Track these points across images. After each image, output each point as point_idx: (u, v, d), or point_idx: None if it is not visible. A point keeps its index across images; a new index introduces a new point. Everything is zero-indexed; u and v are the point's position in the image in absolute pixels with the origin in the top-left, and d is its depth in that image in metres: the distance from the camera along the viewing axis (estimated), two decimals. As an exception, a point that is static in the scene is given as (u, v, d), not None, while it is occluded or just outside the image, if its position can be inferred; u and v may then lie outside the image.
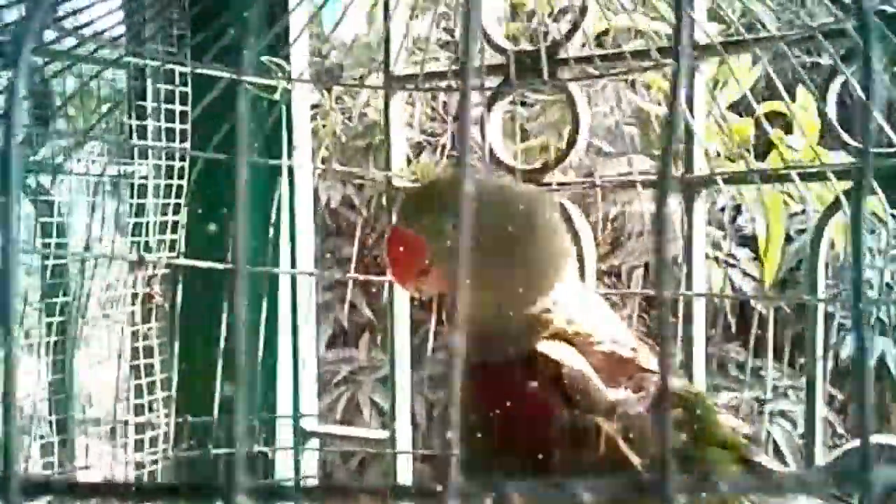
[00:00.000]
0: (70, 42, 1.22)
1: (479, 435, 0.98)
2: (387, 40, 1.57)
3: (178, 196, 1.64)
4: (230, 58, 1.28)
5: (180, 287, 1.52)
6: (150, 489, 0.34)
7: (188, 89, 1.60)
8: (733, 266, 3.29)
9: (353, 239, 3.74)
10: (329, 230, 3.82)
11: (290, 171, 1.66)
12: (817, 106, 1.29)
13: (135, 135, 1.62)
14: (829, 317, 1.41)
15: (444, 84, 1.65)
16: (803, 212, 3.12)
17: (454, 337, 0.35)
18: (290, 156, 1.66)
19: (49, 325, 1.57)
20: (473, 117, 3.34)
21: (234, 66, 1.31)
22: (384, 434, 1.65)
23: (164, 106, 1.61)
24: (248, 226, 1.48)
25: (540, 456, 0.92)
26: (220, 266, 1.36)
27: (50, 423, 1.60)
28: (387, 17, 1.56)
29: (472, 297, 1.07)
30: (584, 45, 1.46)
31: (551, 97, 3.06)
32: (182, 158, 1.62)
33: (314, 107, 2.13)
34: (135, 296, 1.67)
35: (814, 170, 1.33)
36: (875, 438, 1.32)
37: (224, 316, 1.40)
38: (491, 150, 1.54)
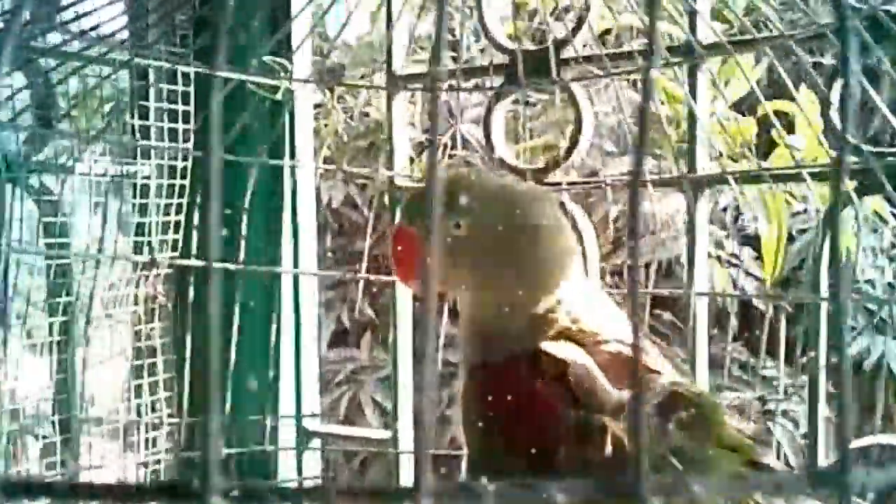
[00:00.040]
0: (74, 44, 1.22)
1: (485, 434, 0.98)
2: (389, 40, 1.58)
3: (181, 196, 1.64)
4: (234, 58, 1.28)
5: (187, 287, 1.53)
6: (123, 490, 0.34)
7: (191, 89, 1.60)
8: (736, 266, 3.28)
9: (354, 238, 3.74)
10: (331, 229, 3.82)
11: (293, 170, 1.66)
12: (820, 103, 1.29)
13: (138, 135, 1.63)
14: (831, 316, 1.40)
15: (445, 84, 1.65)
16: (805, 211, 3.12)
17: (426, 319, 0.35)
18: (292, 156, 1.66)
19: (52, 324, 1.57)
20: (475, 116, 3.33)
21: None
22: (386, 434, 1.65)
23: (167, 106, 1.61)
24: (251, 226, 1.48)
25: (546, 455, 0.92)
26: (226, 266, 1.36)
27: (53, 422, 1.60)
28: (389, 17, 1.56)
29: (476, 297, 1.08)
30: (585, 46, 1.46)
31: (553, 96, 3.05)
32: (185, 158, 1.62)
33: (316, 106, 2.13)
34: (138, 296, 1.67)
35: (815, 169, 1.33)
36: (879, 439, 1.32)
37: (227, 315, 1.40)
38: (493, 150, 1.54)
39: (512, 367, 0.98)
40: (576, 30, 1.43)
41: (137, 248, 1.64)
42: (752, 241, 3.25)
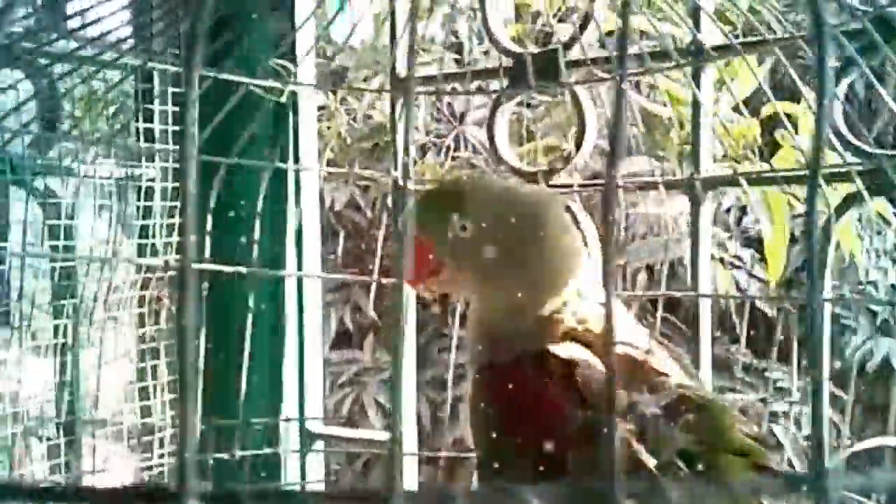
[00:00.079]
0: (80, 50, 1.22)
1: (493, 435, 0.99)
2: (393, 43, 1.58)
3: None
4: (238, 62, 1.28)
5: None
6: (99, 494, 0.34)
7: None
8: (739, 267, 3.28)
9: (358, 240, 3.75)
10: (334, 232, 3.82)
11: (297, 173, 1.66)
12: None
13: (142, 137, 1.63)
14: (834, 318, 1.41)
15: (449, 87, 1.65)
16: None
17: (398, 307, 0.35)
18: (296, 158, 1.66)
19: (56, 327, 1.57)
20: (479, 119, 3.33)
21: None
22: (389, 435, 1.65)
23: (171, 109, 1.62)
24: (254, 228, 1.48)
25: (553, 456, 0.92)
26: (228, 269, 1.37)
27: (57, 425, 1.60)
28: (393, 21, 1.56)
29: (483, 299, 1.08)
30: (590, 45, 1.46)
31: (557, 99, 3.06)
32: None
33: (320, 108, 2.13)
34: (142, 298, 1.67)
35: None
36: (885, 441, 1.32)
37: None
38: (497, 152, 1.54)
39: (519, 367, 0.98)
40: (581, 31, 1.43)
41: (141, 251, 1.64)
42: (755, 244, 3.26)
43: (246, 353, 1.40)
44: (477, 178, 1.15)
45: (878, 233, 3.00)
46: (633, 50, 1.44)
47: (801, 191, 1.75)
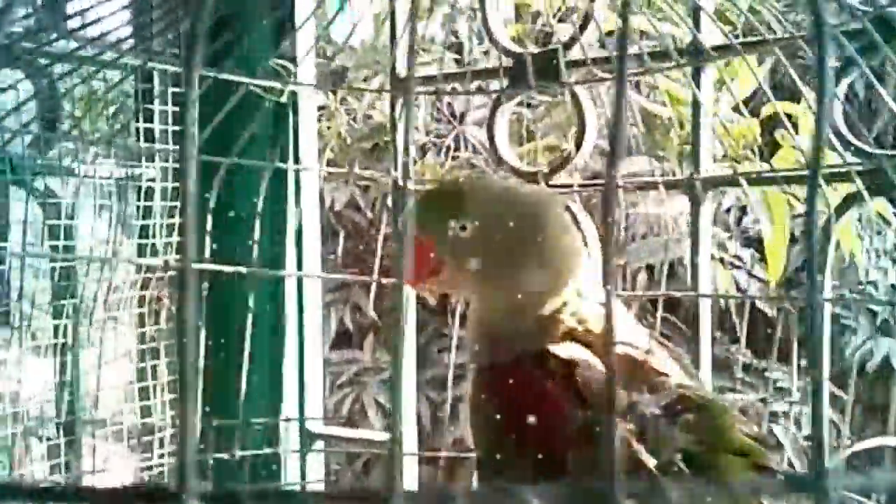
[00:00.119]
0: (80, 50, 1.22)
1: (493, 435, 0.99)
2: (393, 43, 1.58)
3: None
4: (239, 61, 1.28)
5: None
6: (98, 494, 0.34)
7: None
8: (739, 267, 3.28)
9: (358, 240, 3.74)
10: (334, 232, 3.82)
11: (297, 173, 1.66)
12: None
13: (142, 137, 1.63)
14: (834, 318, 1.41)
15: (449, 87, 1.65)
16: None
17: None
18: (296, 158, 1.66)
19: (56, 327, 1.57)
20: (479, 118, 3.33)
21: (231, 68, 1.32)
22: (389, 436, 1.65)
23: (171, 109, 1.62)
24: (254, 228, 1.48)
25: (553, 456, 0.92)
26: (228, 269, 1.37)
27: (57, 425, 1.60)
28: (393, 21, 1.56)
29: (483, 299, 1.08)
30: (590, 45, 1.46)
31: (556, 99, 3.06)
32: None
33: (320, 108, 2.13)
34: (142, 298, 1.67)
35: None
36: (885, 441, 1.32)
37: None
38: (497, 152, 1.54)
39: (519, 367, 0.98)
40: (581, 31, 1.43)
41: (141, 251, 1.64)
42: (755, 243, 3.26)
43: (246, 354, 1.40)
44: (477, 179, 1.15)
45: (878, 233, 3.00)
46: (632, 50, 1.44)
47: (801, 191, 1.75)
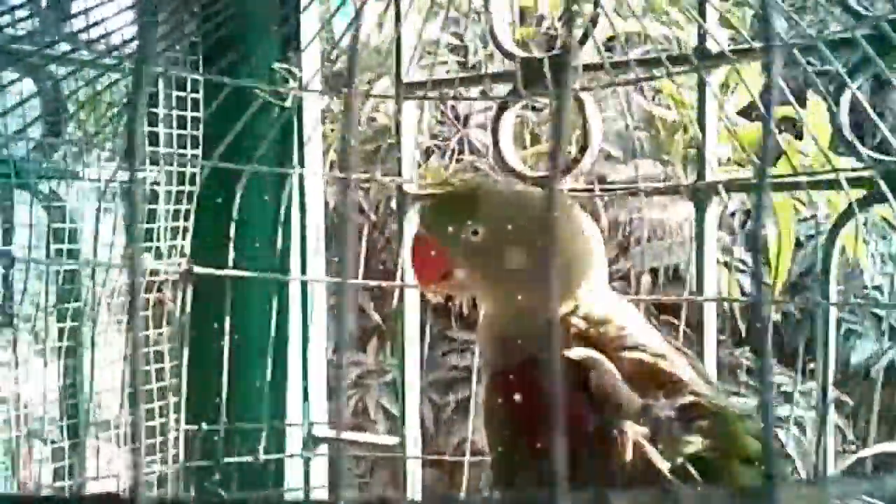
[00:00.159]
0: (84, 52, 1.22)
1: (506, 438, 0.99)
2: (398, 48, 1.58)
3: (189, 202, 1.64)
4: (242, 65, 1.28)
5: (189, 293, 1.53)
6: (56, 502, 0.34)
7: (200, 96, 1.60)
8: (743, 271, 3.28)
9: (360, 242, 3.74)
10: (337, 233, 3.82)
11: (301, 176, 1.66)
12: (829, 111, 1.29)
13: (146, 140, 1.63)
14: (839, 322, 1.40)
15: (453, 91, 1.64)
16: (813, 216, 3.12)
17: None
18: (301, 161, 1.66)
19: (60, 329, 1.57)
20: (483, 121, 3.32)
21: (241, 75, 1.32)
22: (394, 440, 1.65)
23: (175, 112, 1.62)
24: (259, 232, 1.48)
25: (567, 460, 0.92)
26: (235, 273, 1.37)
27: (61, 427, 1.60)
28: (398, 25, 1.56)
29: (495, 302, 1.08)
30: (594, 48, 1.45)
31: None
32: (193, 164, 1.63)
33: (323, 111, 2.13)
34: (146, 301, 1.67)
35: (819, 177, 1.33)
36: (885, 447, 1.31)
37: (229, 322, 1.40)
38: (501, 155, 1.53)
39: (531, 370, 0.99)
40: (582, 39, 1.43)
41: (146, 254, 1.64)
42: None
43: (251, 357, 1.40)
44: (488, 183, 1.16)
45: (884, 237, 3.00)
46: (638, 54, 1.44)
47: (804, 194, 1.74)
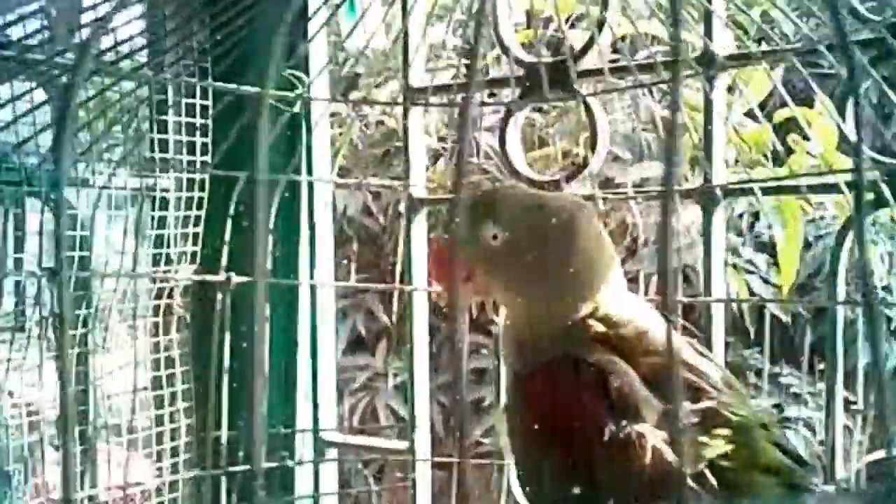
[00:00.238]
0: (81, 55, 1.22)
1: (529, 443, 0.99)
2: (405, 53, 1.58)
3: (199, 208, 1.65)
4: (251, 72, 1.29)
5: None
6: None
7: (209, 103, 1.61)
8: (752, 272, 3.27)
9: (370, 245, 3.75)
10: (347, 237, 3.82)
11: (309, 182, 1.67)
12: (838, 113, 1.29)
13: (156, 147, 1.64)
14: (850, 323, 1.40)
15: (460, 97, 1.65)
16: (822, 217, 3.11)
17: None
18: (309, 165, 1.67)
19: (72, 336, 1.58)
20: (490, 125, 3.33)
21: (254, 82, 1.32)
22: (403, 444, 1.65)
23: (185, 119, 1.63)
24: (267, 236, 1.48)
25: (588, 464, 0.93)
26: (243, 279, 1.37)
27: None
28: (405, 30, 1.56)
29: (515, 307, 1.10)
30: (600, 53, 1.46)
31: (568, 104, 3.05)
32: (203, 171, 1.64)
33: (332, 115, 2.14)
34: (157, 307, 1.68)
35: (819, 179, 1.33)
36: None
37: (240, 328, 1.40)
38: (509, 160, 1.54)
39: (552, 374, 0.99)
40: (588, 43, 1.43)
41: (156, 261, 1.65)
42: (768, 248, 3.24)
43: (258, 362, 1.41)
44: (507, 187, 1.17)
45: (892, 238, 2.99)
46: (644, 57, 1.44)
47: (815, 196, 1.74)
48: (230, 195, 1.40)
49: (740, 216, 3.38)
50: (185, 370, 1.68)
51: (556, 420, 0.97)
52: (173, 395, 1.67)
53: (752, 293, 3.22)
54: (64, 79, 1.28)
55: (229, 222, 1.40)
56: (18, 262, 1.54)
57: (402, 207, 1.68)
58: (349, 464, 2.75)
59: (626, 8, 1.58)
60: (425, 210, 1.62)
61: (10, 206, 1.50)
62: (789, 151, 2.00)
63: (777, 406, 3.22)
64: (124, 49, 1.25)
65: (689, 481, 0.89)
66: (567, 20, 2.37)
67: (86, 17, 1.37)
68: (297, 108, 1.52)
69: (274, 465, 1.59)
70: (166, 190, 1.65)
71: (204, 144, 1.65)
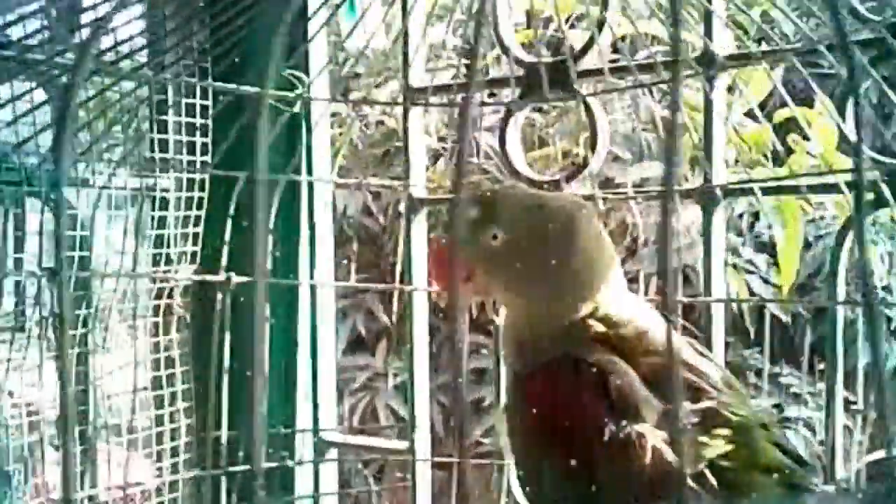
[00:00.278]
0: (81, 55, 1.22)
1: (529, 442, 1.00)
2: (405, 54, 1.58)
3: (199, 208, 1.65)
4: (251, 72, 1.29)
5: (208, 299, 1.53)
6: None
7: (209, 103, 1.61)
8: (752, 272, 3.27)
9: (370, 245, 3.75)
10: (347, 237, 3.82)
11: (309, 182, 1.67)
12: (838, 113, 1.29)
13: (156, 147, 1.64)
14: (850, 323, 1.40)
15: (460, 97, 1.65)
16: (822, 217, 3.11)
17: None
18: (309, 165, 1.67)
19: (72, 336, 1.58)
20: (490, 125, 3.33)
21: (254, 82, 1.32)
22: (403, 444, 1.65)
23: (185, 119, 1.63)
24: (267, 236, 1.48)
25: (588, 464, 0.93)
26: (243, 279, 1.37)
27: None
28: (405, 30, 1.56)
29: (516, 307, 1.10)
30: (600, 53, 1.46)
31: (568, 104, 3.05)
32: (203, 171, 1.64)
33: (332, 115, 2.14)
34: (157, 307, 1.68)
35: (819, 179, 1.33)
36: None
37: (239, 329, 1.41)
38: (509, 160, 1.54)
39: (553, 374, 0.99)
40: (588, 44, 1.43)
41: (156, 261, 1.65)
42: (768, 248, 3.24)
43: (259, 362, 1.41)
44: (507, 187, 1.17)
45: (892, 237, 2.99)
46: (644, 57, 1.44)
47: (814, 196, 1.74)
48: (230, 195, 1.40)
49: (740, 216, 3.38)
50: (185, 370, 1.68)
51: (556, 420, 0.97)
52: (173, 395, 1.67)
53: (752, 293, 3.22)
54: (64, 79, 1.27)
55: (229, 222, 1.40)
56: (18, 262, 1.54)
57: (402, 207, 1.68)
58: (349, 464, 2.75)
59: (626, 8, 1.58)
60: (425, 210, 1.62)
61: (10, 206, 1.50)
62: (789, 151, 2.00)
63: (777, 406, 3.22)
64: (124, 49, 1.25)
65: (689, 481, 0.89)
66: (567, 20, 2.37)
67: (86, 17, 1.37)
68: (297, 108, 1.52)
69: (274, 465, 1.59)
70: (166, 190, 1.66)
71: (204, 144, 1.65)
